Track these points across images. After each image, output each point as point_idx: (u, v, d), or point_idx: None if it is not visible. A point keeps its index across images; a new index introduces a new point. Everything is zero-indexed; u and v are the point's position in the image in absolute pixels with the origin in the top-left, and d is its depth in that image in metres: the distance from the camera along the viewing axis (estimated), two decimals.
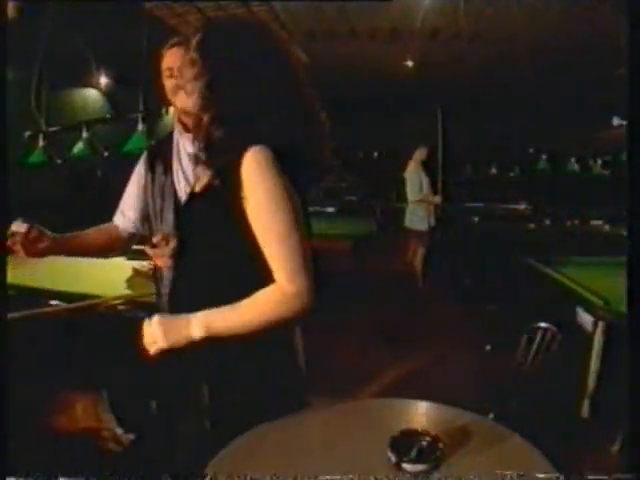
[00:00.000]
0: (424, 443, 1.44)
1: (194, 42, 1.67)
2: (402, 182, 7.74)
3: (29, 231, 2.06)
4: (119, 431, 1.75)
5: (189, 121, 2.07)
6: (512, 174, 13.12)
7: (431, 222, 7.40)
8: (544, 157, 11.81)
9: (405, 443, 1.45)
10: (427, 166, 7.52)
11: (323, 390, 2.98)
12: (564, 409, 3.54)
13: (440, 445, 1.45)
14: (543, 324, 3.14)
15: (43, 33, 5.58)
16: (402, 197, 7.94)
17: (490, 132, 12.44)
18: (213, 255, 1.76)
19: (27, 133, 4.72)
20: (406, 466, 1.41)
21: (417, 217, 7.43)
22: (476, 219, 8.57)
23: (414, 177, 7.42)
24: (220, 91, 1.64)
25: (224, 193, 1.65)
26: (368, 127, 12.67)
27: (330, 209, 9.07)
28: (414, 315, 6.14)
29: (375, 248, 7.62)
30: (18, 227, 2.05)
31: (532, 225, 8.20)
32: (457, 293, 6.89)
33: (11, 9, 4.72)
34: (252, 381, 1.75)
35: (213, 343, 1.66)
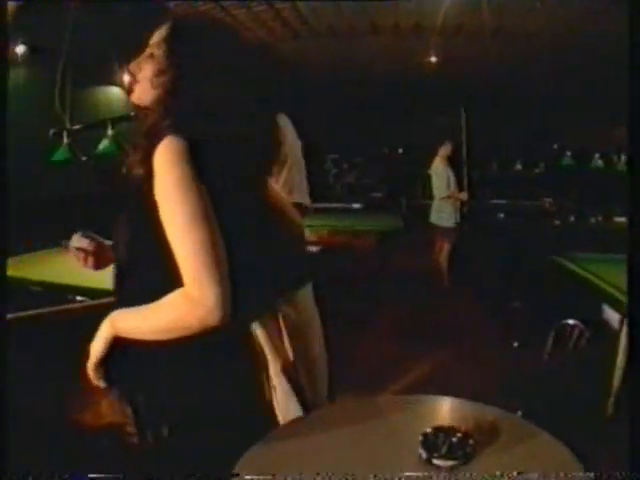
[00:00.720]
0: (454, 439, 1.45)
1: (154, 38, 1.63)
2: (427, 178, 7.71)
3: (94, 245, 2.02)
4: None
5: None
6: (537, 170, 13.05)
7: (457, 219, 7.37)
8: (568, 153, 11.70)
9: (436, 439, 1.45)
10: (452, 162, 7.49)
11: (348, 387, 2.99)
12: (590, 406, 3.52)
13: (470, 441, 1.46)
14: (570, 321, 3.13)
15: (66, 32, 5.63)
16: (428, 193, 7.92)
17: (515, 128, 12.38)
18: (135, 253, 1.64)
19: (51, 131, 4.75)
20: (437, 462, 1.42)
21: (443, 214, 7.41)
22: (501, 215, 8.53)
23: (440, 173, 7.39)
24: (174, 87, 1.57)
25: (143, 186, 1.53)
26: (393, 123, 12.65)
27: (356, 205, 9.05)
28: (440, 312, 6.12)
29: (401, 244, 7.61)
30: (80, 242, 2.01)
31: (557, 222, 8.15)
32: (482, 290, 6.86)
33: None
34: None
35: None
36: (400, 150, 14.13)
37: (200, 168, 1.50)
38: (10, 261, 3.79)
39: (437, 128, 9.77)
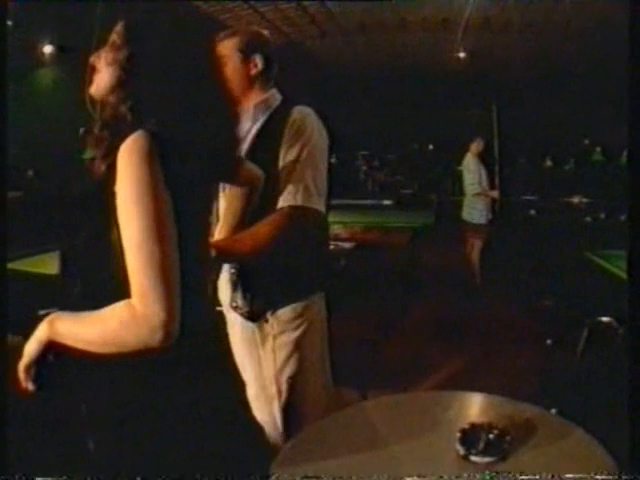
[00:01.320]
0: (491, 436, 1.46)
1: (118, 27, 1.53)
2: (458, 175, 7.66)
3: None
4: None
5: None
6: (567, 167, 12.92)
7: (488, 216, 7.30)
8: (598, 149, 11.58)
9: (473, 436, 1.46)
10: (483, 158, 7.41)
11: (380, 384, 3.00)
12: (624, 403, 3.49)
13: (507, 438, 1.47)
14: (604, 318, 3.11)
15: (94, 30, 5.69)
16: (458, 190, 7.87)
17: (545, 124, 12.27)
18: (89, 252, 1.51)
19: (82, 129, 4.82)
20: (474, 458, 1.43)
21: (474, 210, 7.33)
22: (533, 212, 8.47)
23: (471, 170, 7.31)
24: (133, 78, 1.47)
25: (105, 184, 1.41)
26: (423, 120, 12.59)
27: (387, 202, 9.05)
28: (472, 309, 6.09)
29: (433, 241, 7.58)
30: None
31: (588, 218, 8.07)
32: (513, 287, 6.81)
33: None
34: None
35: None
36: (430, 146, 14.04)
37: (168, 169, 1.39)
38: (46, 258, 3.87)
39: (467, 124, 9.71)
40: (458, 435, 1.47)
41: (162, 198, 1.36)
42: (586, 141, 12.76)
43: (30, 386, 1.45)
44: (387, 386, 2.71)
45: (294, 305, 2.36)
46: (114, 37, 1.52)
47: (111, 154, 1.40)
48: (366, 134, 12.78)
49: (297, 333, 2.37)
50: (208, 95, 1.54)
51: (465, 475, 1.41)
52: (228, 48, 2.41)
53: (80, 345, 1.39)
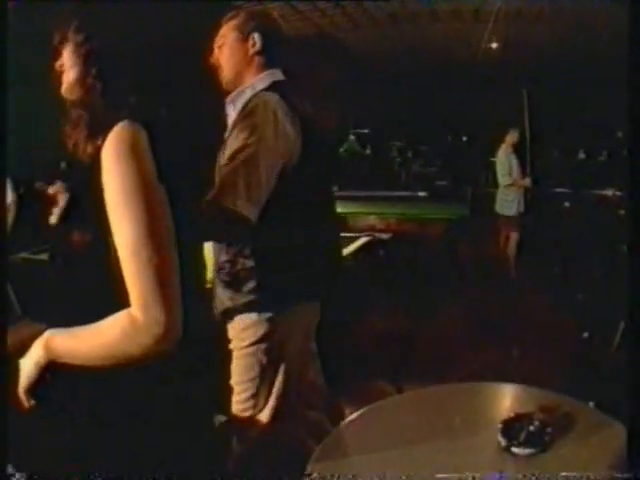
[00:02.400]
0: (532, 428, 1.46)
1: (73, 25, 1.40)
2: (491, 166, 7.60)
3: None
4: None
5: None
6: (601, 158, 12.74)
7: (520, 207, 7.24)
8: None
9: (514, 427, 1.47)
10: (517, 150, 7.35)
11: (414, 377, 3.01)
12: None
13: (548, 430, 1.47)
14: None
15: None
16: (492, 181, 7.82)
17: (578, 115, 12.11)
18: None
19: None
20: (515, 450, 1.43)
21: (506, 202, 7.29)
22: (567, 204, 8.38)
23: (502, 161, 7.27)
24: (101, 70, 1.36)
25: (90, 182, 1.31)
26: (456, 111, 12.48)
27: (421, 193, 9.04)
28: (506, 301, 6.06)
29: (468, 233, 7.55)
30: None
31: (621, 211, 7.97)
32: (548, 279, 6.76)
33: None
34: None
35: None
36: (464, 138, 13.92)
37: (160, 162, 1.28)
38: None
39: (500, 115, 9.63)
40: (500, 426, 1.48)
41: (155, 195, 1.26)
42: (619, 133, 12.58)
43: (31, 404, 1.37)
44: (422, 379, 2.71)
45: (251, 315, 2.20)
46: (71, 36, 1.40)
47: (96, 149, 1.29)
48: (399, 125, 12.72)
49: (249, 343, 2.21)
50: (186, 79, 1.44)
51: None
52: (228, 28, 2.32)
53: (79, 361, 1.31)
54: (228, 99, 2.30)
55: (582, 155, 12.79)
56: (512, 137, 7.27)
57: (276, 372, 2.25)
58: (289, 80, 2.34)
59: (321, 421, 2.40)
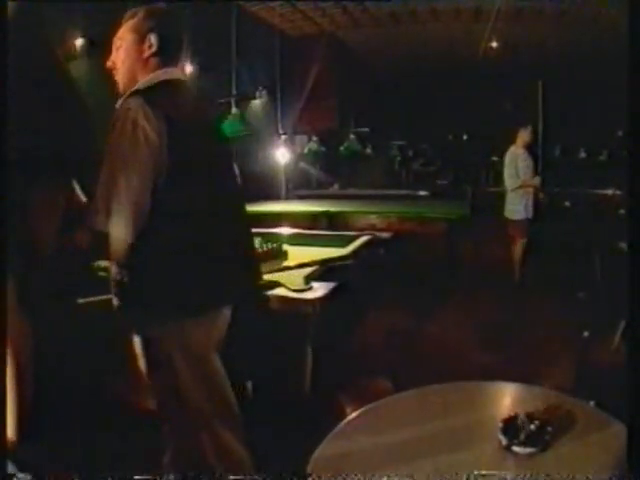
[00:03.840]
0: (533, 427, 1.47)
1: None
2: (492, 166, 7.49)
3: None
4: None
5: None
6: (601, 158, 12.73)
7: (529, 213, 7.00)
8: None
9: (515, 426, 1.47)
10: (529, 148, 7.15)
11: (415, 375, 3.00)
12: None
13: (548, 429, 1.48)
14: None
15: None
16: (492, 181, 7.74)
17: (578, 115, 12.12)
18: None
19: None
20: (516, 449, 1.44)
21: (511, 205, 7.06)
22: (567, 204, 8.36)
23: (506, 164, 6.96)
24: None
25: None
26: (457, 110, 12.47)
27: (422, 192, 9.04)
28: (507, 300, 6.05)
29: (468, 232, 7.52)
30: None
31: (622, 210, 7.96)
32: (549, 279, 6.75)
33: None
34: None
35: None
36: (465, 137, 13.88)
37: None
38: None
39: (499, 114, 9.63)
40: (500, 425, 1.48)
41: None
42: (620, 132, 12.57)
43: None
44: (423, 377, 2.71)
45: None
46: None
47: None
48: (400, 124, 12.72)
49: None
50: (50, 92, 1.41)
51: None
52: (126, 29, 2.16)
53: None
54: (117, 105, 2.09)
55: (582, 154, 12.78)
56: (523, 137, 6.98)
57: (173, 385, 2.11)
58: (180, 80, 2.22)
59: (235, 449, 2.19)
